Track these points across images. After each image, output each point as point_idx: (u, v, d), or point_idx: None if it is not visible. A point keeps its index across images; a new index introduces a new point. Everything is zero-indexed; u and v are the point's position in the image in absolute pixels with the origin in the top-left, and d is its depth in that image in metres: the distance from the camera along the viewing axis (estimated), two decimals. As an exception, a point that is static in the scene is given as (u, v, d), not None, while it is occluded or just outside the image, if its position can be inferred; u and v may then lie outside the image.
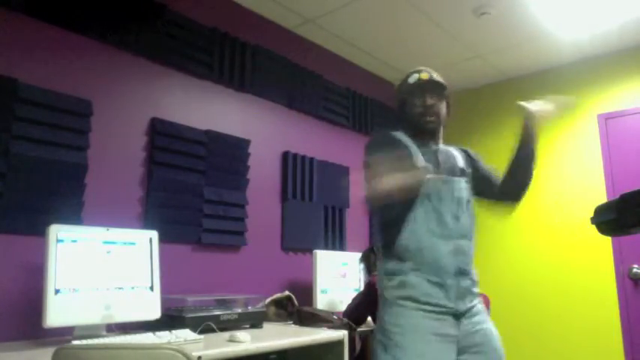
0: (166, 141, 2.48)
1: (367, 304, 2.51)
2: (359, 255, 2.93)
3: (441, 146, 1.81)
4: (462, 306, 1.62)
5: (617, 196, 1.19)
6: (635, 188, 1.16)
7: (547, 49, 3.56)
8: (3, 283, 1.89)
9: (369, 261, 2.76)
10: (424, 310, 1.59)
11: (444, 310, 1.60)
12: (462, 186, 1.73)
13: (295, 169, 3.15)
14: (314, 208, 3.22)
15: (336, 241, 3.35)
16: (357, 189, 3.29)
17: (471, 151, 1.93)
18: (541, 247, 3.72)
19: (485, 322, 1.67)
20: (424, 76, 1.77)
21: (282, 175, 3.10)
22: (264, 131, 3.03)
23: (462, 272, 1.64)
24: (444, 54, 3.63)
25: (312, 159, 3.27)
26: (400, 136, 1.79)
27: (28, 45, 2.08)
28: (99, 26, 2.29)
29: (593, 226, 1.52)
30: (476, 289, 1.70)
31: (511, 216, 3.89)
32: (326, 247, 3.25)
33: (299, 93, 3.26)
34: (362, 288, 2.71)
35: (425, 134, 1.77)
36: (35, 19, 2.11)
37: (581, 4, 2.96)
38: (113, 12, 2.35)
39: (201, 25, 2.73)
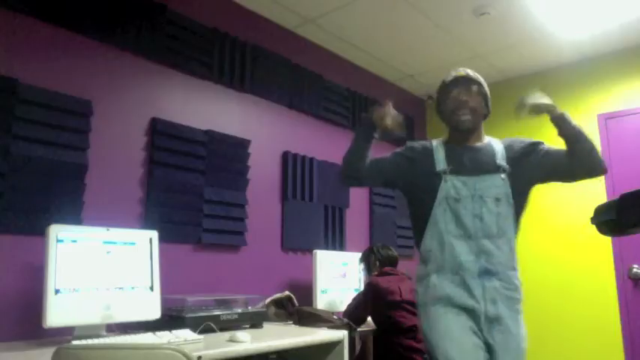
0: (166, 141, 2.48)
1: (367, 304, 2.51)
2: (359, 255, 2.93)
3: (478, 144, 1.78)
4: (492, 309, 1.60)
5: (617, 196, 1.19)
6: (635, 188, 1.16)
7: (547, 49, 3.56)
8: (3, 283, 1.89)
9: (369, 261, 2.77)
10: (452, 313, 1.62)
11: (469, 309, 1.61)
12: (489, 184, 1.67)
13: (295, 169, 3.15)
14: (314, 208, 3.22)
15: (336, 241, 3.35)
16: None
17: (521, 143, 1.83)
18: (541, 247, 3.72)
19: (513, 335, 1.64)
20: (460, 73, 1.77)
21: (282, 175, 3.10)
22: (264, 131, 3.03)
23: (487, 272, 1.61)
24: (444, 54, 3.63)
25: (312, 159, 3.27)
26: (424, 142, 1.86)
27: (28, 45, 2.08)
28: (99, 26, 2.29)
29: (593, 226, 1.52)
30: (512, 293, 1.64)
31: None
32: (326, 247, 3.25)
33: (299, 93, 3.26)
34: (362, 288, 2.71)
35: (460, 133, 1.77)
36: (35, 19, 2.11)
37: (581, 4, 2.96)
38: (113, 12, 2.35)
39: (201, 25, 2.73)
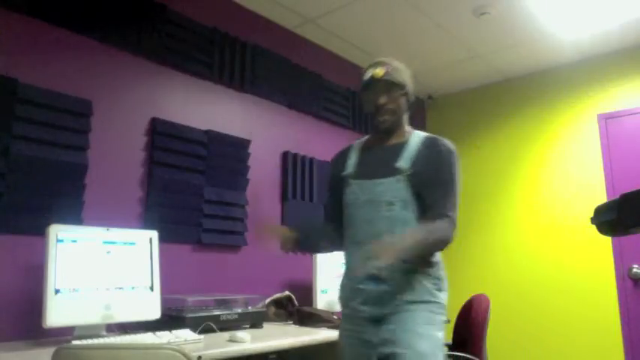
0: (166, 141, 2.48)
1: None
2: (359, 255, 2.93)
3: (394, 142, 1.69)
4: (377, 311, 1.56)
5: (617, 196, 1.19)
6: (635, 188, 1.16)
7: (547, 49, 3.56)
8: (3, 283, 1.89)
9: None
10: (345, 315, 1.67)
11: (360, 314, 1.60)
12: (384, 187, 1.60)
13: (295, 169, 3.15)
14: (314, 208, 3.22)
15: (336, 241, 3.34)
16: None
17: (439, 147, 1.66)
18: (541, 247, 3.72)
19: (405, 332, 1.51)
20: (378, 73, 1.66)
21: (282, 175, 3.10)
22: (264, 131, 3.03)
23: (374, 278, 1.56)
24: (444, 54, 3.63)
25: (312, 159, 3.27)
26: (344, 148, 1.84)
27: (28, 45, 2.08)
28: (99, 26, 2.29)
29: (593, 226, 1.52)
30: (400, 296, 1.54)
31: (511, 216, 3.90)
32: (326, 247, 3.25)
33: (299, 93, 3.26)
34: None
35: (379, 133, 1.73)
36: (35, 19, 2.11)
37: (581, 4, 2.96)
38: (113, 12, 2.35)
39: (201, 25, 2.73)
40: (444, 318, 1.58)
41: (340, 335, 1.70)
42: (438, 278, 1.59)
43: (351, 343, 1.63)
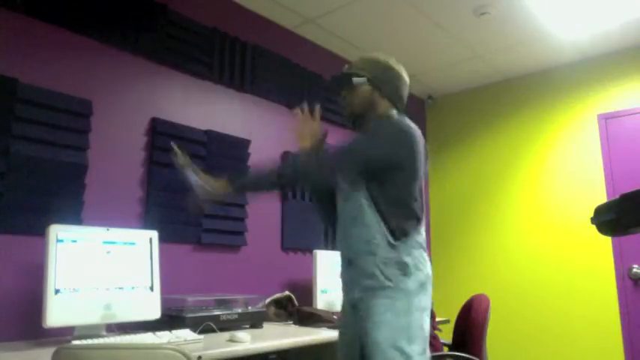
0: (166, 141, 2.48)
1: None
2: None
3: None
4: (350, 295, 1.62)
5: (617, 196, 1.19)
6: (635, 188, 1.16)
7: (547, 49, 3.56)
8: (3, 283, 1.89)
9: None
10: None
11: (344, 299, 1.69)
12: (341, 176, 1.70)
13: (295, 169, 3.14)
14: (314, 208, 3.22)
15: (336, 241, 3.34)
16: None
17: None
18: (541, 247, 3.72)
19: (365, 320, 1.53)
20: (344, 70, 1.75)
21: (282, 175, 3.09)
22: (264, 131, 3.03)
23: (348, 261, 1.63)
24: (444, 54, 3.63)
25: (312, 159, 3.26)
26: None
27: (28, 45, 2.08)
28: (99, 26, 2.29)
29: (593, 226, 1.52)
30: (366, 281, 1.56)
31: (511, 216, 3.90)
32: (326, 247, 3.25)
33: (299, 93, 3.26)
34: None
35: (352, 127, 1.79)
36: (35, 19, 2.11)
37: (581, 4, 2.96)
38: (113, 12, 2.35)
39: (201, 25, 2.73)
40: (413, 303, 1.51)
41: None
42: (402, 263, 1.54)
43: (340, 332, 1.71)
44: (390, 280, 1.52)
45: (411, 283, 1.53)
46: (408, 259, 1.54)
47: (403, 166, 1.57)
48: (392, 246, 1.55)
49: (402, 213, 1.57)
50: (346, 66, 1.76)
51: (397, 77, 1.72)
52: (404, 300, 1.51)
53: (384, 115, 1.69)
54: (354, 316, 1.61)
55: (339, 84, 1.75)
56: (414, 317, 1.50)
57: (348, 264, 1.64)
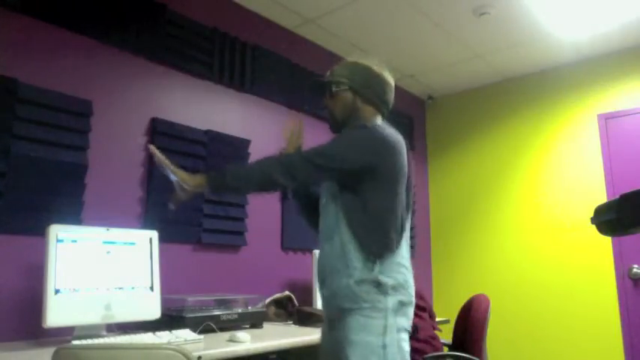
0: (166, 141, 2.48)
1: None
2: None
3: None
4: (327, 312, 1.56)
5: (617, 196, 1.19)
6: (635, 188, 1.16)
7: (547, 49, 3.56)
8: (3, 283, 1.89)
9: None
10: None
11: (323, 312, 1.62)
12: (324, 185, 1.63)
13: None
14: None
15: (336, 241, 3.34)
16: None
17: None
18: (541, 247, 3.72)
19: (341, 339, 1.47)
20: (326, 75, 1.70)
21: (282, 175, 3.09)
22: (264, 131, 3.03)
23: (322, 281, 1.56)
24: (444, 54, 3.63)
25: (312, 159, 3.26)
26: None
27: (28, 45, 2.08)
28: (99, 26, 2.29)
29: (593, 226, 1.52)
30: (340, 301, 1.48)
31: (511, 216, 3.90)
32: (326, 247, 3.25)
33: (299, 93, 3.26)
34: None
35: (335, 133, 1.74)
36: (35, 19, 2.11)
37: (581, 4, 2.96)
38: (113, 12, 2.35)
39: (201, 25, 2.73)
40: (390, 322, 1.44)
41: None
42: (378, 282, 1.45)
43: (321, 344, 1.66)
44: (366, 301, 1.45)
45: (389, 303, 1.45)
46: (386, 280, 1.46)
47: (375, 176, 1.48)
48: (368, 266, 1.46)
49: (379, 230, 1.48)
50: (327, 73, 1.69)
51: (379, 81, 1.64)
52: (381, 320, 1.43)
53: (367, 122, 1.59)
54: (331, 332, 1.55)
55: (321, 92, 1.70)
56: (391, 337, 1.43)
57: (321, 283, 1.56)
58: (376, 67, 1.66)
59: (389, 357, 1.41)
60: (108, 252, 1.94)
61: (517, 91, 4.03)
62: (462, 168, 4.24)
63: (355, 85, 1.63)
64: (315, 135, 3.37)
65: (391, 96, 1.68)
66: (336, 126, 1.68)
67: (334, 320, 1.52)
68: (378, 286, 1.45)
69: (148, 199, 2.38)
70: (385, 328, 1.43)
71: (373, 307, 1.44)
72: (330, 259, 1.52)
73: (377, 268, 1.47)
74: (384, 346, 1.42)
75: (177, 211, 2.47)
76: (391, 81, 1.68)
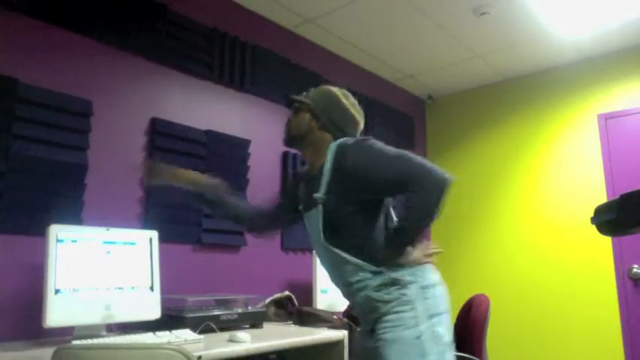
0: (166, 141, 2.48)
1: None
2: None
3: (315, 173, 1.65)
4: (365, 326, 1.62)
5: (617, 196, 1.19)
6: (635, 188, 1.16)
7: (547, 49, 3.56)
8: (3, 283, 1.89)
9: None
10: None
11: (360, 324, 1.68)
12: (312, 219, 1.63)
13: (295, 169, 3.15)
14: (314, 208, 3.22)
15: (336, 241, 3.34)
16: None
17: (343, 161, 1.53)
18: (541, 247, 3.72)
19: (379, 342, 1.51)
20: (303, 94, 1.76)
21: (282, 175, 3.10)
22: (264, 131, 3.03)
23: (348, 301, 1.66)
24: (444, 54, 3.63)
25: (312, 159, 3.27)
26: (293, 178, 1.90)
27: (28, 45, 2.08)
28: (99, 26, 2.29)
29: (593, 226, 1.52)
30: (370, 314, 1.55)
31: (511, 216, 3.90)
32: (326, 247, 3.25)
33: (299, 93, 3.25)
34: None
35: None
36: (35, 19, 2.11)
37: (581, 4, 2.96)
38: (113, 12, 2.35)
39: (201, 25, 2.73)
40: (420, 311, 1.49)
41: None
42: (393, 280, 1.51)
43: (359, 349, 1.69)
44: (391, 301, 1.50)
45: (412, 291, 1.50)
46: (398, 275, 1.51)
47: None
48: (377, 273, 1.52)
49: (377, 240, 1.55)
50: (304, 93, 1.76)
51: (341, 110, 1.65)
52: (410, 311, 1.48)
53: (319, 144, 1.64)
54: (371, 336, 1.57)
55: (289, 105, 1.76)
56: (424, 327, 1.47)
57: (349, 303, 1.66)
58: (343, 97, 1.68)
59: (425, 346, 1.45)
60: (108, 252, 1.94)
61: (517, 91, 4.03)
62: (461, 168, 4.24)
63: (316, 109, 1.67)
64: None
65: (351, 127, 1.67)
66: (288, 140, 1.73)
67: (373, 326, 1.56)
68: (395, 282, 1.51)
69: (148, 199, 2.38)
70: (416, 318, 1.48)
71: (400, 301, 1.50)
72: (344, 285, 1.60)
73: (386, 270, 1.52)
74: (419, 337, 1.46)
75: (177, 211, 2.47)
76: (357, 115, 1.68)
